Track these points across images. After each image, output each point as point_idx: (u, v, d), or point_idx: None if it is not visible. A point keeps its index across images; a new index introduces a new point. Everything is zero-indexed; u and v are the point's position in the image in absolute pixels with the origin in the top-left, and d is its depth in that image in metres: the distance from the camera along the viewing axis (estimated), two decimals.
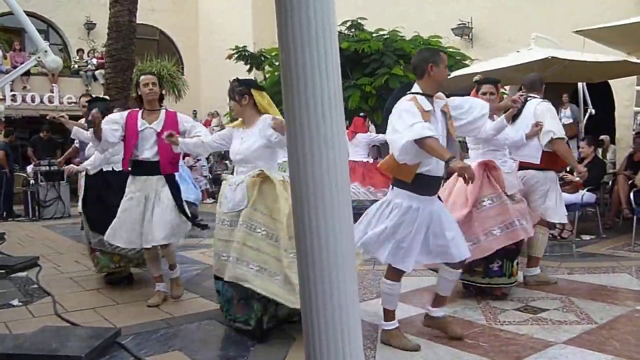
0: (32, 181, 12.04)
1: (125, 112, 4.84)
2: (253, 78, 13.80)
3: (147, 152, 4.68)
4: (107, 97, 6.77)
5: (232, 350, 3.66)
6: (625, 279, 5.16)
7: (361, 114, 9.81)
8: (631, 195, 7.26)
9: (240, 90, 4.09)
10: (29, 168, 12.74)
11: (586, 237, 7.18)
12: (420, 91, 3.52)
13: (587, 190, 7.35)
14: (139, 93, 4.78)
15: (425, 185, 3.50)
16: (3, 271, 6.01)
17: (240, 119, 4.18)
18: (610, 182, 8.69)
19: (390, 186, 3.64)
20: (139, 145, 4.68)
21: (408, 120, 3.31)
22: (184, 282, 5.12)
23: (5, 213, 11.82)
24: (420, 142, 3.25)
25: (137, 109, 4.86)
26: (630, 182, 7.90)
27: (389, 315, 3.68)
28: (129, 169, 4.77)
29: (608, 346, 3.47)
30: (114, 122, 4.69)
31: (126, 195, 4.71)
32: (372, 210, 3.65)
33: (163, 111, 4.82)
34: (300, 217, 0.73)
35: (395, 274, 3.60)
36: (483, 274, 4.59)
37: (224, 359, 3.54)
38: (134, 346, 3.72)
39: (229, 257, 3.79)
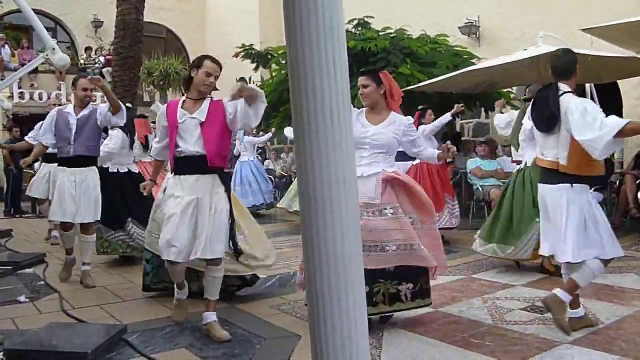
0: None
1: (164, 106, 4.26)
2: (260, 77, 13.84)
3: (193, 145, 3.95)
4: (129, 105, 6.91)
5: (238, 347, 3.67)
6: (632, 279, 5.14)
7: (420, 106, 8.37)
8: (639, 194, 7.22)
9: None
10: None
11: None
12: (570, 90, 3.73)
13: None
14: (192, 75, 4.02)
15: None
16: (10, 267, 6.04)
17: None
18: (617, 182, 8.65)
19: (570, 185, 3.70)
20: (180, 139, 3.97)
21: (598, 117, 3.43)
22: None
23: (12, 209, 11.88)
24: (620, 132, 3.33)
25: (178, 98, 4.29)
26: (637, 181, 7.87)
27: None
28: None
29: (614, 346, 3.46)
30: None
31: (170, 197, 3.98)
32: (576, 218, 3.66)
33: (207, 99, 4.07)
34: (307, 220, 0.73)
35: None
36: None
37: (229, 357, 3.55)
38: (139, 343, 3.73)
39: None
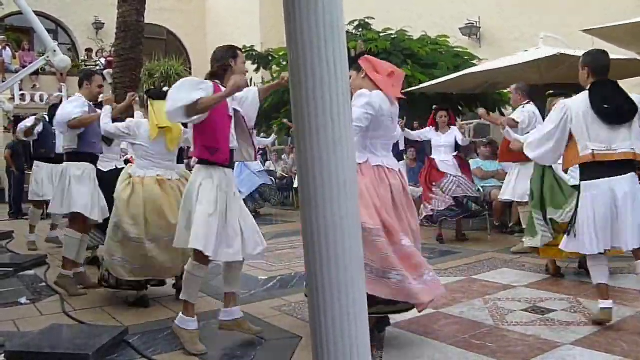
0: None
1: (209, 84, 3.68)
2: (261, 78, 13.82)
3: (235, 139, 3.86)
4: None
5: (239, 349, 3.67)
6: (633, 280, 5.11)
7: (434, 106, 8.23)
8: None
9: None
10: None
11: None
12: None
13: None
14: (232, 64, 3.85)
15: None
16: (11, 269, 6.04)
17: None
18: None
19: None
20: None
21: None
22: None
23: (13, 211, 11.89)
24: None
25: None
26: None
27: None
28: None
29: (616, 347, 3.46)
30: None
31: (209, 192, 3.63)
32: None
33: None
34: (308, 218, 0.73)
35: None
36: None
37: (230, 358, 3.55)
38: (141, 345, 3.73)
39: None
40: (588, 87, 4.01)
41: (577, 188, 4.28)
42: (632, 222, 3.75)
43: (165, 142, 4.81)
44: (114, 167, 6.21)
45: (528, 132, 6.02)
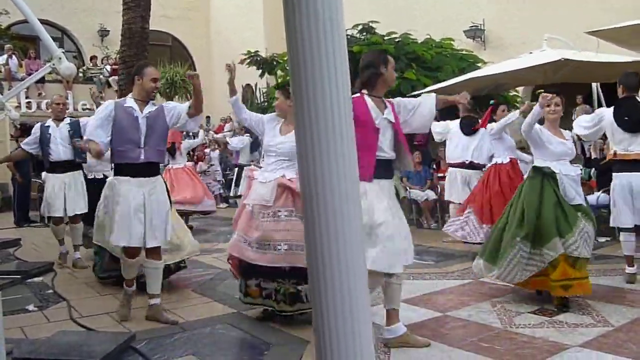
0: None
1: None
2: (265, 83, 13.84)
3: (389, 148, 3.71)
4: None
5: (246, 354, 3.67)
6: None
7: (491, 101, 7.46)
8: None
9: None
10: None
11: (602, 239, 7.10)
12: None
13: (603, 192, 7.27)
14: (383, 72, 3.68)
15: None
16: (19, 276, 6.06)
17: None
18: None
19: None
20: (379, 142, 3.66)
21: None
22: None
23: (18, 218, 11.91)
24: None
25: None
26: None
27: None
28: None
29: (625, 349, 3.44)
30: None
31: (380, 205, 3.59)
32: None
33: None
34: (308, 210, 0.73)
35: None
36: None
37: None
38: (148, 350, 3.73)
39: None
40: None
41: (579, 208, 4.46)
42: None
43: None
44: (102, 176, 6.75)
45: None
